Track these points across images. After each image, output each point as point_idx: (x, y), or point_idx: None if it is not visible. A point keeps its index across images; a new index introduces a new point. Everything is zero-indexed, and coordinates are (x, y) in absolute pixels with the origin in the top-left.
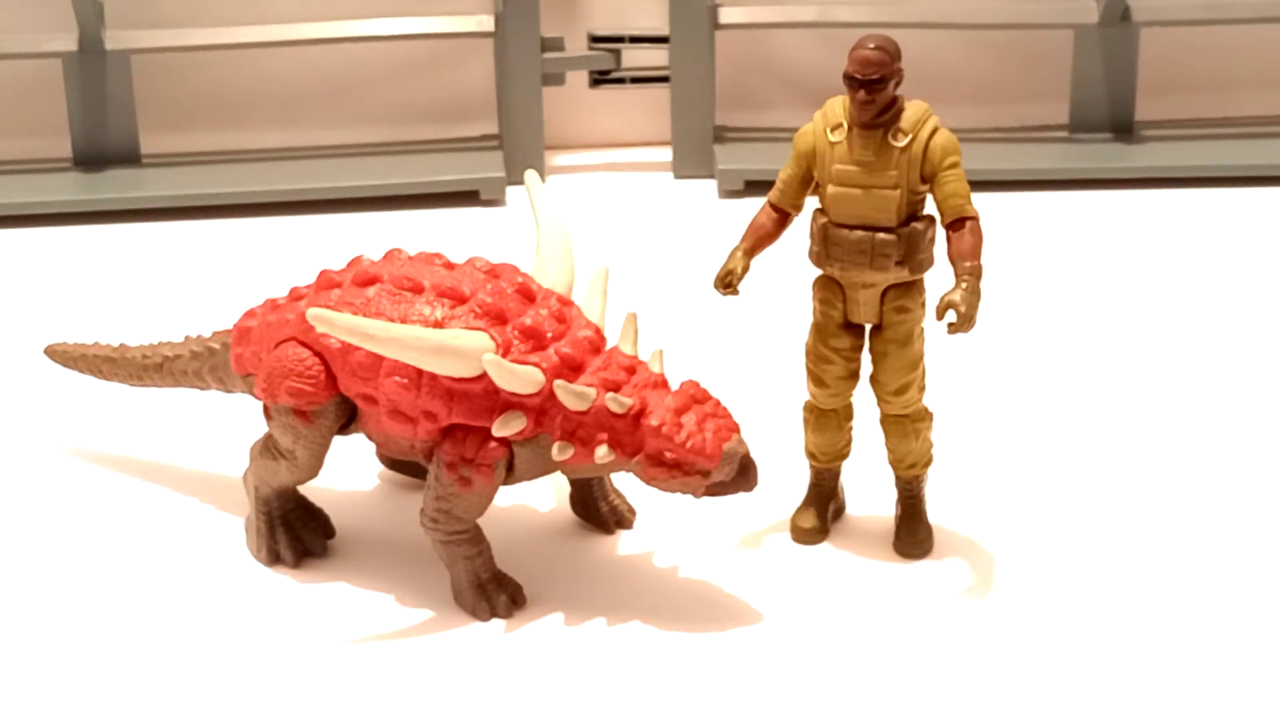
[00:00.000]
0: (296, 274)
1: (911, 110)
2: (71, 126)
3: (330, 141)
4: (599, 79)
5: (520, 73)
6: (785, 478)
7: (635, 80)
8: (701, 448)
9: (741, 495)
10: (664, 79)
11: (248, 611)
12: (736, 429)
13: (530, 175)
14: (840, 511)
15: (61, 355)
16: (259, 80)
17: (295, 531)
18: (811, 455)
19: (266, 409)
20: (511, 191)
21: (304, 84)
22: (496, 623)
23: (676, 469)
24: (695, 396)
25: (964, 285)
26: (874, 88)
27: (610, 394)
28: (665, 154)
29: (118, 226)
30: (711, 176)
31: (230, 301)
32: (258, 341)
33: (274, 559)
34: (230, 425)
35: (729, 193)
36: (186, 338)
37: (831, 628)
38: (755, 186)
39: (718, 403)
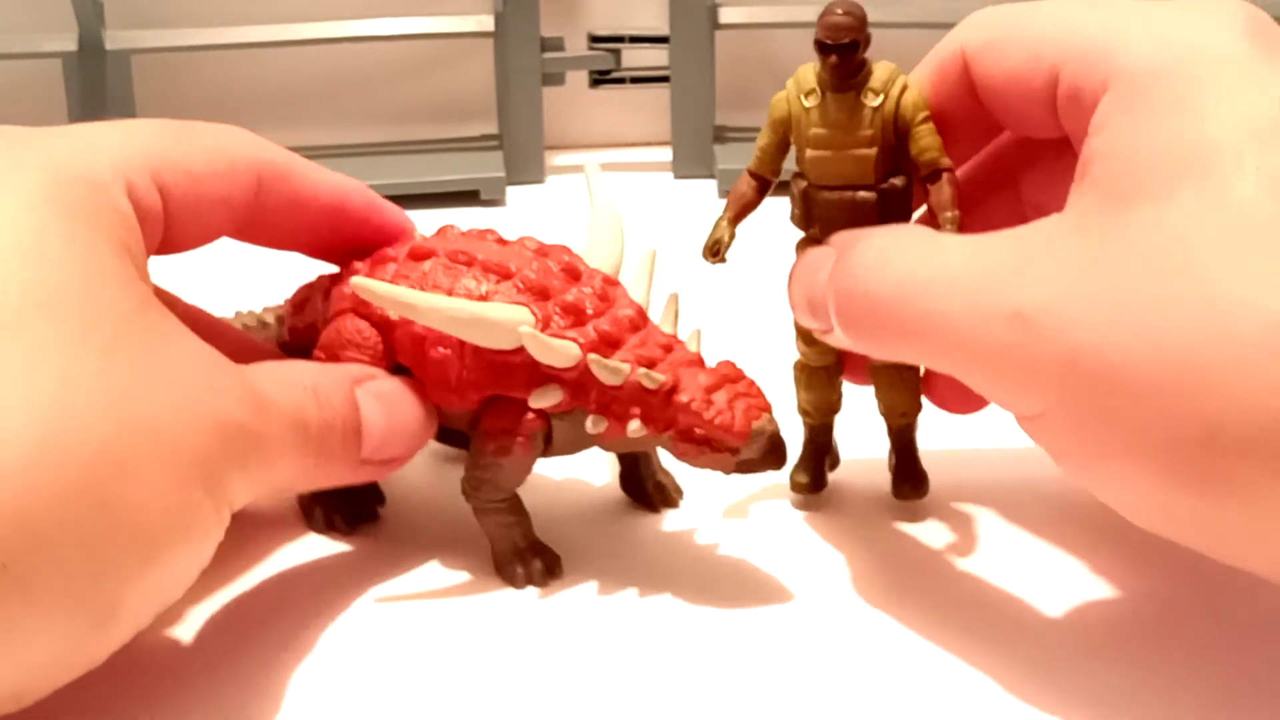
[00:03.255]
0: (298, 273)
1: (880, 70)
2: None
3: (330, 141)
4: (599, 79)
5: (520, 73)
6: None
7: (635, 80)
8: (730, 425)
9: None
10: (664, 79)
11: (298, 571)
12: (768, 408)
13: (590, 165)
14: (835, 464)
15: None
16: (259, 80)
17: (349, 499)
18: (805, 412)
19: None
20: (511, 191)
21: (304, 84)
22: (531, 590)
23: (706, 445)
24: (728, 376)
25: (947, 233)
26: (846, 52)
27: (643, 370)
28: (665, 154)
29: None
30: (711, 176)
31: (231, 301)
32: (314, 313)
33: (329, 525)
34: None
35: (729, 193)
36: (237, 313)
37: (858, 598)
38: None
39: (751, 382)
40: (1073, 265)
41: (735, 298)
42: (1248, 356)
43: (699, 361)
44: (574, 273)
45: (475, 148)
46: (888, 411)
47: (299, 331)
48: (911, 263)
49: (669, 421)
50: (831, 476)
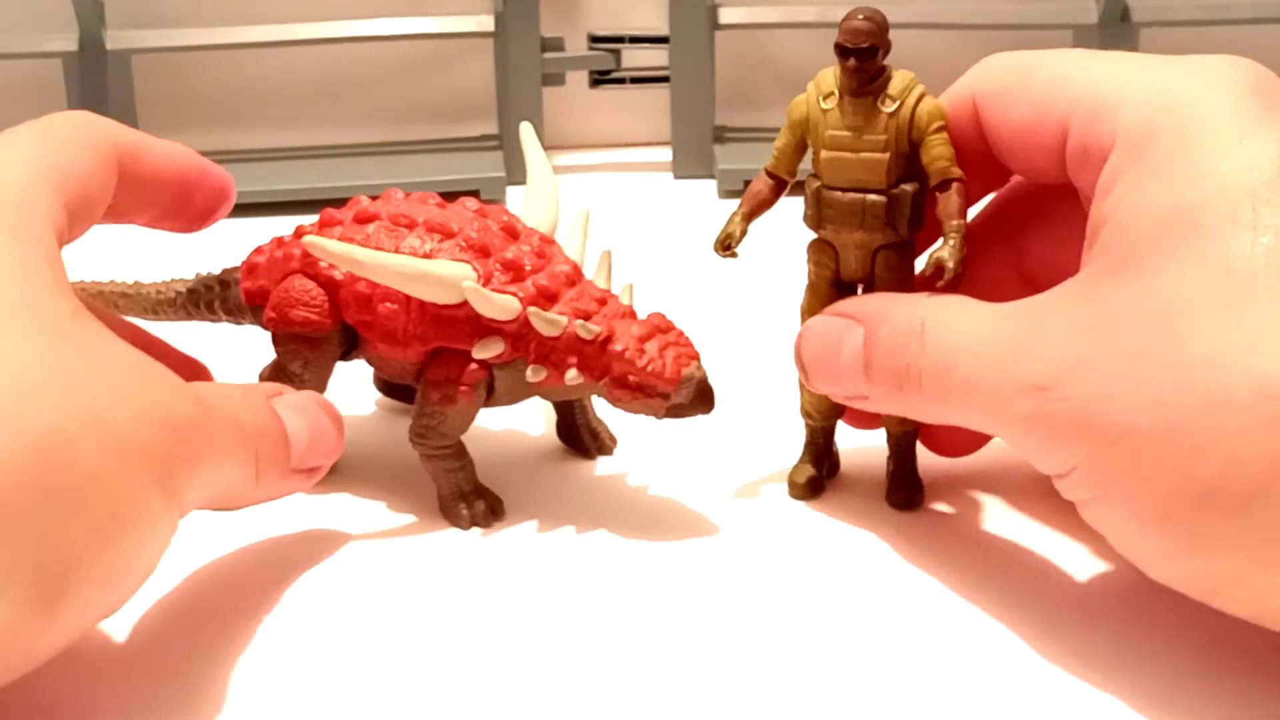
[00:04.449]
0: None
1: (899, 78)
2: None
3: (330, 141)
4: (599, 79)
5: (520, 73)
6: (783, 436)
7: (635, 80)
8: (661, 372)
9: (741, 445)
10: (664, 79)
11: (259, 516)
12: (696, 356)
13: (525, 127)
14: (835, 468)
15: (80, 292)
16: (259, 80)
17: None
18: (807, 414)
19: (275, 337)
20: (512, 191)
21: (304, 84)
22: (475, 530)
23: (639, 391)
24: (659, 326)
25: (951, 242)
26: (864, 56)
27: (580, 321)
28: (665, 154)
29: (118, 226)
30: (711, 176)
31: (191, 264)
32: (265, 275)
33: None
34: (239, 354)
35: (729, 193)
36: (198, 274)
37: (816, 569)
38: None
39: (680, 332)
40: (1078, 333)
41: (743, 297)
42: (1240, 417)
43: (631, 313)
44: (513, 231)
45: (475, 148)
46: (889, 419)
47: (251, 294)
48: (954, 336)
49: (604, 369)
50: (830, 481)
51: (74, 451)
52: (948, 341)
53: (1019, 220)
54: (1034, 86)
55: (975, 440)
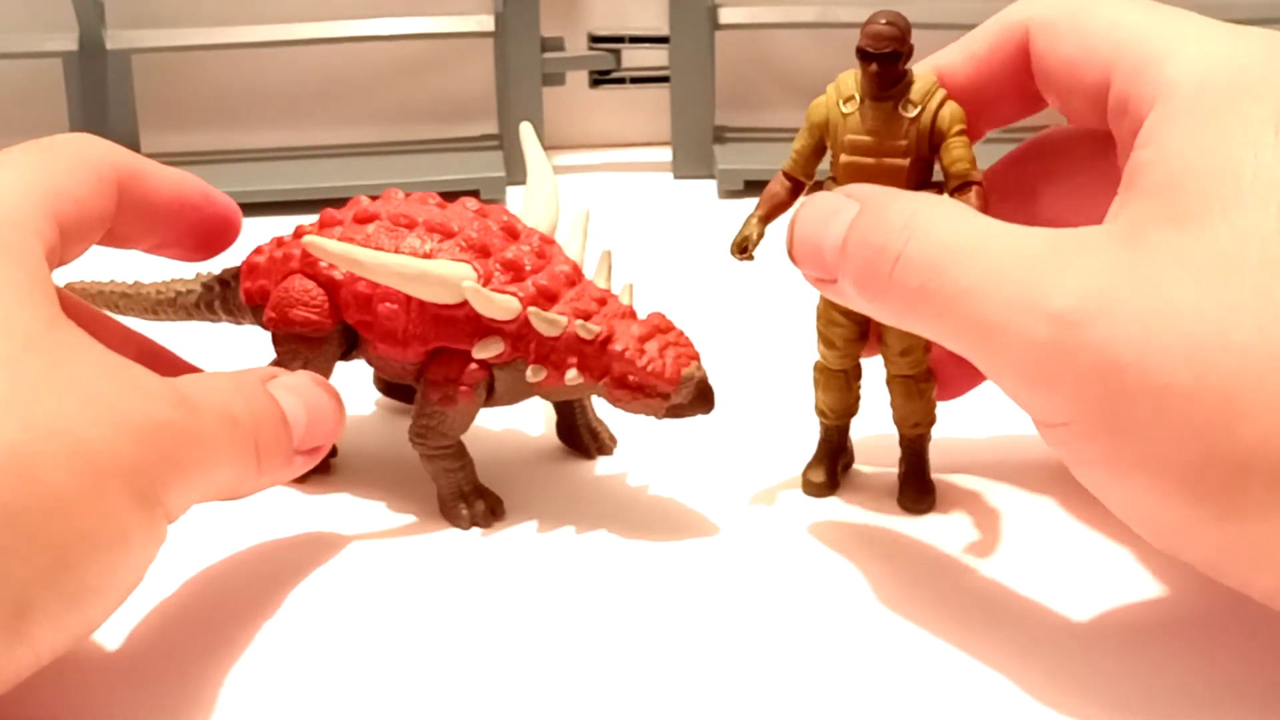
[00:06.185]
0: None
1: (921, 82)
2: (72, 126)
3: (330, 141)
4: (599, 79)
5: (520, 73)
6: (784, 434)
7: (635, 80)
8: (661, 372)
9: (753, 443)
10: (664, 79)
11: (258, 518)
12: (696, 356)
13: (525, 127)
14: (849, 464)
15: (80, 292)
16: (259, 80)
17: None
18: (821, 413)
19: (275, 337)
20: (512, 191)
21: (304, 84)
22: (475, 530)
23: (639, 391)
24: (659, 326)
25: None
26: (886, 62)
27: (580, 321)
28: (665, 154)
29: None
30: (711, 176)
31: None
32: (265, 275)
33: None
34: (239, 354)
35: (729, 193)
36: (197, 274)
37: (827, 567)
38: (755, 186)
39: (680, 332)
40: (1121, 274)
41: (744, 297)
42: None
43: (631, 313)
44: (513, 231)
45: (475, 148)
46: (901, 421)
47: (251, 294)
48: (951, 236)
49: (604, 369)
50: (844, 477)
51: (39, 469)
52: (953, 242)
53: (1033, 178)
54: (1083, 26)
55: (972, 377)
